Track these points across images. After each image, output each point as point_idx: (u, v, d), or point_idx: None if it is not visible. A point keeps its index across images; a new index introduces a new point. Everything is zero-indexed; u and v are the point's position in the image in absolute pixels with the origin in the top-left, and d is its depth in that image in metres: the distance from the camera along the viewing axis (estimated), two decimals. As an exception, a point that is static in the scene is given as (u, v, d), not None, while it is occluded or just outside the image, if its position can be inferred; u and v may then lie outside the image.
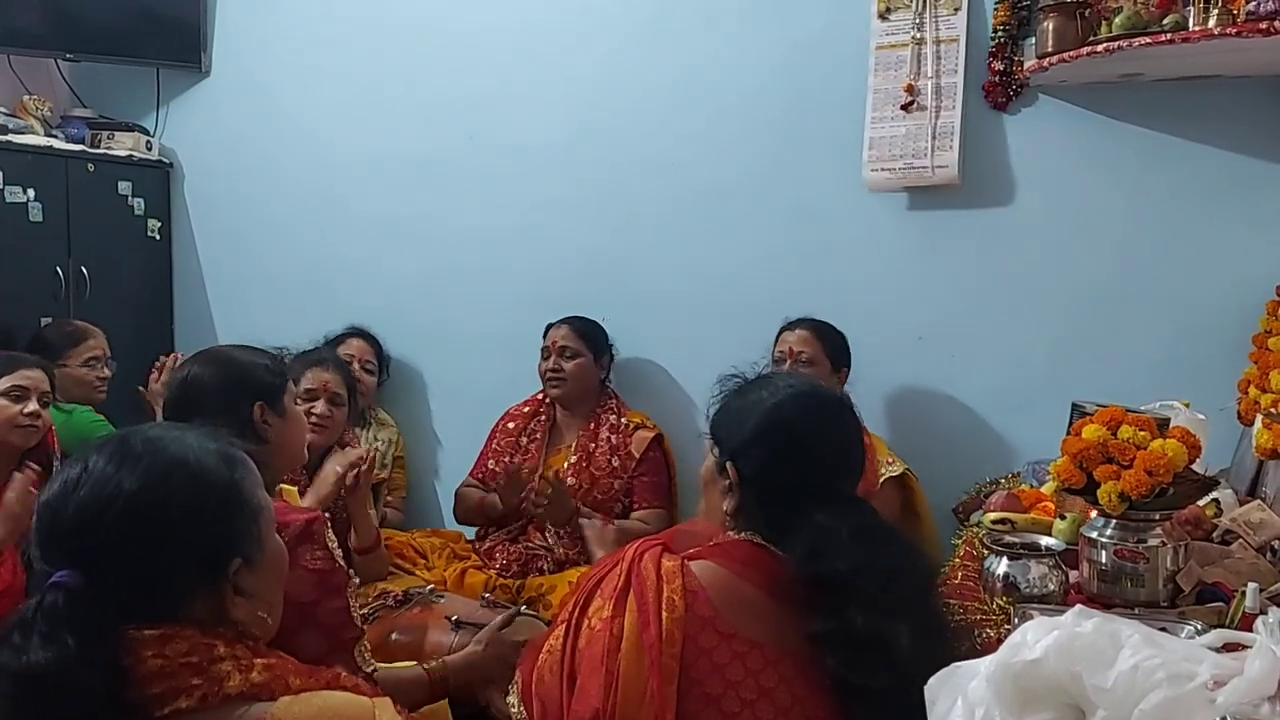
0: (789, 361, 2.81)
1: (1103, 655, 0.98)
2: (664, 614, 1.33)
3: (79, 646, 1.02)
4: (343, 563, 1.76)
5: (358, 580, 1.84)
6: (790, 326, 2.92)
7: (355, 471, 2.54)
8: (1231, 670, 0.95)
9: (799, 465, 1.45)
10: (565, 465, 3.04)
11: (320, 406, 2.64)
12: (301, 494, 2.47)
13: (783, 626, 1.35)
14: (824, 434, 1.49)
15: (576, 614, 1.41)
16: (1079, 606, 1.05)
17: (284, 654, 1.16)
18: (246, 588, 1.15)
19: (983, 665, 1.03)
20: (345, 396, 2.74)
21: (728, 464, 1.47)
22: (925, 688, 1.08)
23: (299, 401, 2.55)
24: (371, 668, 1.78)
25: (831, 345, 2.87)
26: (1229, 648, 1.01)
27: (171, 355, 3.25)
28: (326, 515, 1.87)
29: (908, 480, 2.80)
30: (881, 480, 2.72)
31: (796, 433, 1.47)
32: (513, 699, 1.45)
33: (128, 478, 1.11)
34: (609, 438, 3.07)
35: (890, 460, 2.79)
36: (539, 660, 1.42)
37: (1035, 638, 1.01)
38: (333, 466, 2.53)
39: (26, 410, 2.40)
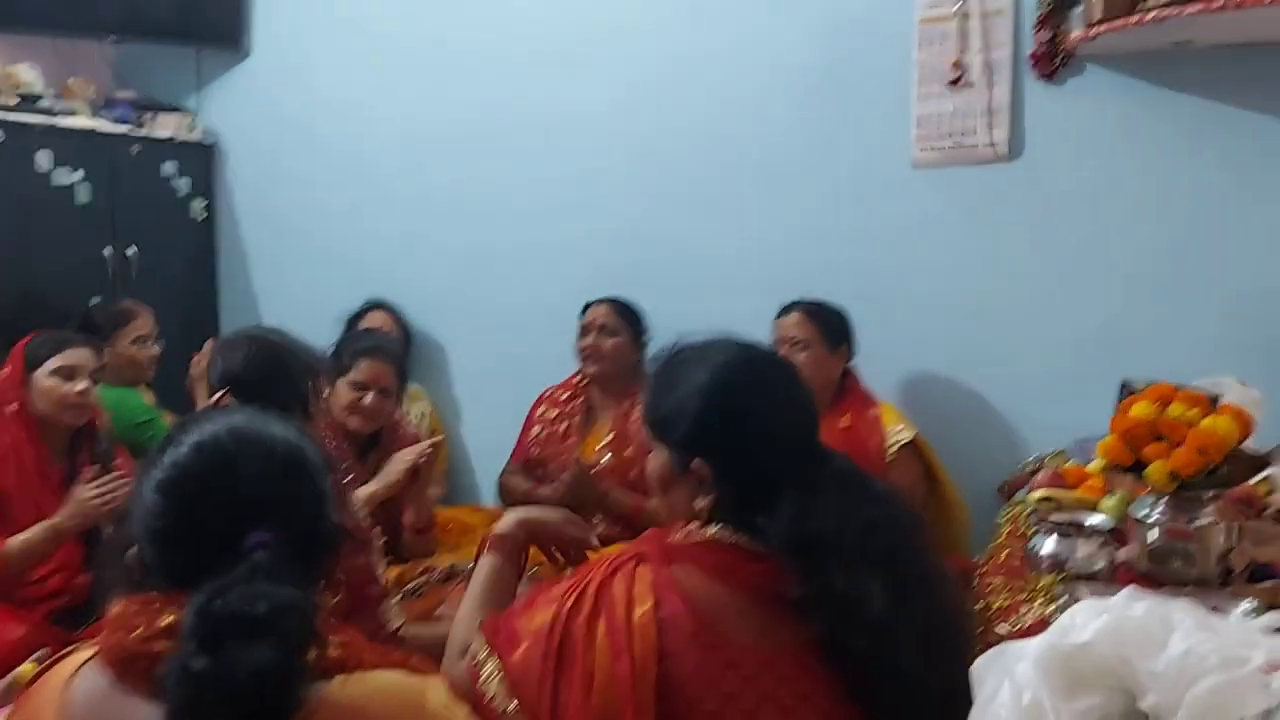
0: (785, 348, 2.75)
1: (1153, 639, 0.96)
2: (636, 642, 1.25)
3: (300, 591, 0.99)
4: (365, 522, 1.79)
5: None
6: (784, 311, 2.84)
7: (418, 458, 2.59)
8: (1287, 655, 0.93)
9: (773, 439, 1.36)
10: (600, 444, 3.04)
11: (369, 399, 2.66)
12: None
13: (769, 626, 1.28)
14: (782, 395, 1.41)
15: (565, 620, 1.30)
16: (1130, 588, 1.04)
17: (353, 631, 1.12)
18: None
19: (1030, 647, 1.02)
20: (395, 386, 2.74)
21: (695, 461, 1.37)
22: (972, 668, 1.06)
23: (349, 389, 2.64)
24: (399, 624, 1.80)
25: (825, 325, 2.79)
26: (1283, 631, 0.99)
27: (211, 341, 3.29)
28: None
29: (919, 444, 2.75)
30: (895, 448, 2.69)
31: (759, 407, 1.38)
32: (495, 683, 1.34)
33: (279, 435, 1.11)
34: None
35: (899, 426, 2.74)
36: (526, 647, 1.32)
37: (1085, 620, 1.00)
38: (405, 456, 2.59)
39: (77, 389, 2.44)
